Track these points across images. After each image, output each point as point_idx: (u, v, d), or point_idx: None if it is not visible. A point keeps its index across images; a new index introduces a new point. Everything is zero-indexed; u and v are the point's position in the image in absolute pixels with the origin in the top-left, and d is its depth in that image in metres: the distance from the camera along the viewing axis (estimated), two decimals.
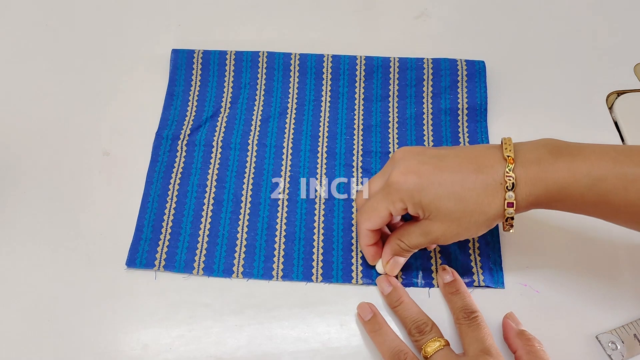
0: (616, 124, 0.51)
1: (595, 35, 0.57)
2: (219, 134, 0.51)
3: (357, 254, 0.45)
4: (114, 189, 0.48)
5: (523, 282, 0.44)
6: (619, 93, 0.53)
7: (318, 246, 0.45)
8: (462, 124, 0.51)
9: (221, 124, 0.51)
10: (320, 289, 0.44)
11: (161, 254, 0.45)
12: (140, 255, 0.44)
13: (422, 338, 0.39)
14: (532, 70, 0.55)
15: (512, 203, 0.37)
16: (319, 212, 0.47)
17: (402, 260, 0.42)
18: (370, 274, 0.44)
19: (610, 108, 0.52)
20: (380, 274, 0.43)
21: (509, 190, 0.36)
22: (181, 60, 0.54)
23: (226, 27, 0.58)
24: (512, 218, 0.37)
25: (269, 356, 0.41)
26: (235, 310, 0.43)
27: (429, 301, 0.43)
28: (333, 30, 0.58)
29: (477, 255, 0.44)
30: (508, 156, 0.37)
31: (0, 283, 0.44)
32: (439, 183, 0.37)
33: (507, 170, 0.36)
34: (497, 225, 0.46)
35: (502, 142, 0.38)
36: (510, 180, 0.36)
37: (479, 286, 0.43)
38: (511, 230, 0.38)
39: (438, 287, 0.43)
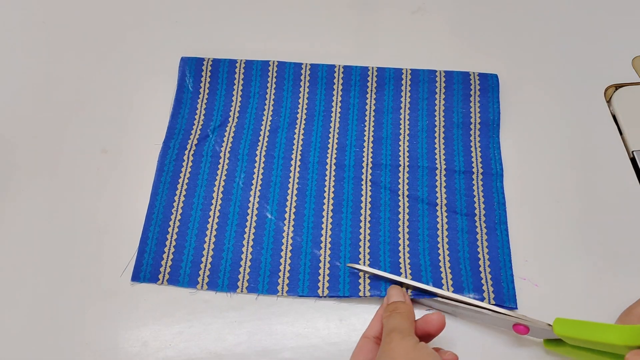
0: (614, 117, 0.51)
1: (593, 28, 0.57)
2: (227, 144, 0.50)
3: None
4: (113, 187, 0.48)
5: (522, 277, 0.44)
6: (617, 86, 0.53)
7: (325, 261, 0.44)
8: (475, 138, 0.50)
9: (229, 133, 0.51)
10: None
11: (165, 267, 0.44)
12: (144, 269, 0.44)
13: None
14: (529, 63, 0.54)
15: None
16: (327, 226, 0.46)
17: None
18: (376, 286, 0.43)
19: (608, 101, 0.52)
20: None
21: None
22: (190, 67, 0.54)
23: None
24: None
25: (269, 352, 0.41)
26: (234, 306, 0.43)
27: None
28: (328, 25, 0.58)
29: (488, 274, 0.43)
30: None
31: (0, 281, 0.44)
32: None
33: None
34: (508, 236, 0.45)
35: None
36: None
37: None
38: None
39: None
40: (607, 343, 0.34)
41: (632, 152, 0.49)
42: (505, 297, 0.42)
